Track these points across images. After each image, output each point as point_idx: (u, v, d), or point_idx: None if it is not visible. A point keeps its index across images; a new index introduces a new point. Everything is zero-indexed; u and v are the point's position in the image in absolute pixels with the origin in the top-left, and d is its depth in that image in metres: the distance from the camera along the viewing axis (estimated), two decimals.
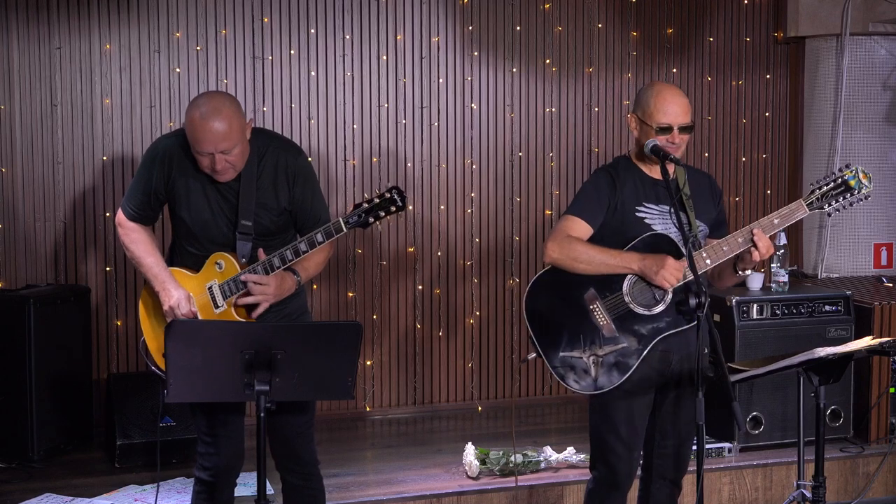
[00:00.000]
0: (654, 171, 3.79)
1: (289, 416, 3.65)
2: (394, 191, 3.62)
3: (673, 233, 3.72)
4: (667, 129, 3.72)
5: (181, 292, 3.66)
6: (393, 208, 3.62)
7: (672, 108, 3.73)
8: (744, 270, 3.77)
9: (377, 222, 3.65)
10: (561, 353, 3.73)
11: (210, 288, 3.69)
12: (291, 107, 5.97)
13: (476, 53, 6.24)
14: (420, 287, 6.20)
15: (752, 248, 3.67)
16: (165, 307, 3.66)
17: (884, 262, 6.54)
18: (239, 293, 3.66)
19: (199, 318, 3.67)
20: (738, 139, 6.76)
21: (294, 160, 3.75)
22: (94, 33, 5.65)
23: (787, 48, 6.80)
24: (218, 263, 3.67)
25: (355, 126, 6.07)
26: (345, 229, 3.61)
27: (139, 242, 3.75)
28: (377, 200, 3.62)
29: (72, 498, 4.71)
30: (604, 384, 3.69)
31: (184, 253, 3.76)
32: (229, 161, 3.57)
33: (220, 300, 3.68)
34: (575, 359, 3.72)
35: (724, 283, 3.90)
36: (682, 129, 3.74)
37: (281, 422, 3.69)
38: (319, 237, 3.62)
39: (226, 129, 3.52)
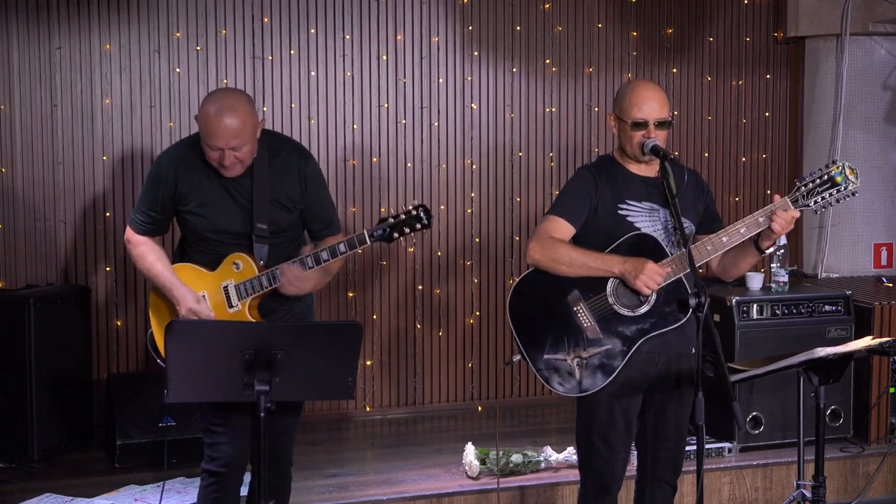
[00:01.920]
0: (640, 169, 3.78)
1: (277, 415, 3.64)
2: (420, 209, 3.65)
3: (659, 231, 3.72)
4: (642, 125, 3.70)
5: (193, 296, 3.69)
6: (418, 226, 3.65)
7: (647, 103, 3.70)
8: (767, 248, 3.71)
9: (401, 238, 3.67)
10: (545, 356, 3.71)
11: (225, 287, 3.71)
12: (291, 107, 5.97)
13: (476, 53, 6.24)
14: (420, 287, 6.20)
15: (772, 223, 3.61)
16: (183, 312, 3.68)
17: (884, 262, 6.54)
18: (255, 294, 3.69)
19: (213, 317, 3.70)
20: (738, 139, 6.76)
21: (306, 164, 3.81)
22: (94, 33, 5.65)
23: (787, 48, 6.80)
24: (235, 264, 3.70)
25: (355, 126, 6.07)
26: (368, 242, 3.65)
27: (148, 254, 3.78)
28: (403, 217, 3.65)
29: (72, 498, 4.71)
30: (588, 386, 3.68)
31: (194, 253, 3.77)
32: (238, 157, 3.61)
33: (234, 300, 3.71)
34: (559, 361, 3.70)
35: (740, 268, 3.83)
36: (659, 125, 3.71)
37: (269, 423, 3.69)
38: (342, 248, 3.65)
39: (238, 127, 3.56)
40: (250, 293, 3.70)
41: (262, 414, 3.26)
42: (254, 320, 3.71)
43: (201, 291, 3.73)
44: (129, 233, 3.83)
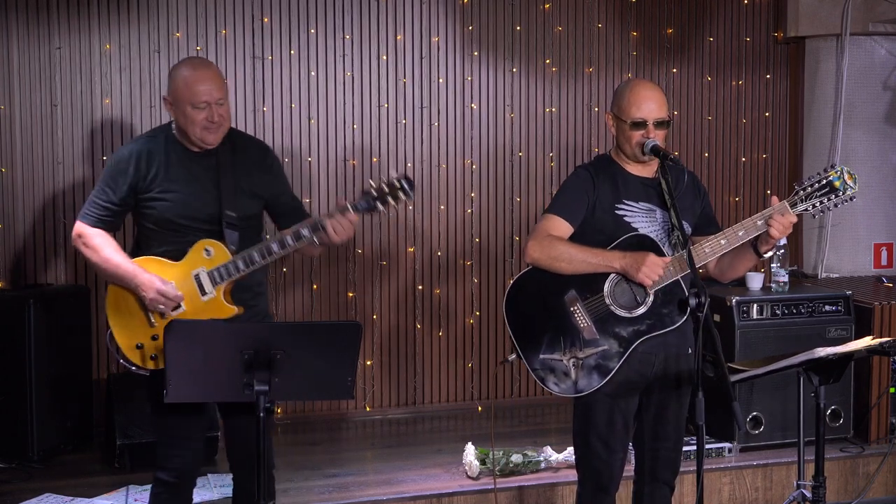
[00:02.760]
0: (637, 169, 3.77)
1: (251, 418, 3.63)
2: (403, 179, 3.63)
3: (656, 232, 3.71)
4: (641, 125, 3.69)
5: (158, 278, 3.60)
6: (402, 195, 3.63)
7: (646, 103, 3.69)
8: (766, 252, 3.70)
9: (385, 208, 3.65)
10: (541, 356, 3.71)
11: (197, 275, 3.64)
12: (291, 107, 5.97)
13: (476, 53, 6.24)
14: (420, 287, 6.20)
15: (769, 227, 3.60)
16: (151, 295, 3.58)
17: (884, 262, 6.54)
18: (230, 279, 3.64)
19: (181, 297, 3.62)
20: (738, 139, 6.76)
21: (266, 154, 3.86)
22: (94, 33, 5.65)
23: (787, 48, 6.80)
24: (207, 250, 3.64)
25: (355, 126, 6.07)
26: (353, 214, 3.62)
27: (105, 245, 3.68)
28: (386, 188, 3.63)
29: (72, 498, 4.71)
30: (584, 387, 3.68)
31: (157, 245, 3.68)
32: (221, 115, 3.64)
33: (208, 287, 3.64)
34: (555, 361, 3.70)
35: (738, 270, 3.84)
36: (658, 125, 3.70)
37: (243, 424, 3.67)
38: (326, 222, 3.62)
39: (219, 78, 3.67)
40: (225, 278, 3.63)
41: (262, 414, 3.25)
42: (230, 306, 3.65)
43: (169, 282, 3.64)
44: (81, 227, 3.70)
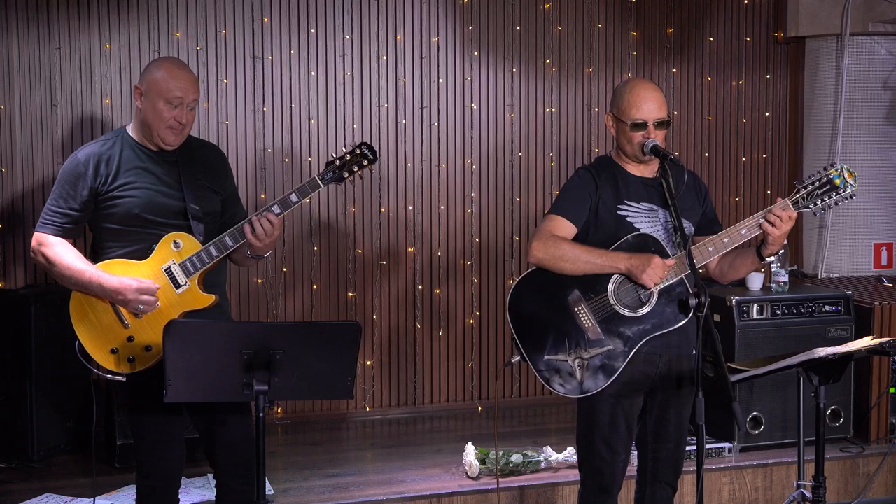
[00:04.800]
0: (638, 170, 3.78)
1: (236, 420, 3.62)
2: (363, 146, 3.74)
3: (659, 232, 3.72)
4: (641, 126, 3.70)
5: (131, 279, 3.55)
6: (365, 162, 3.73)
7: (646, 103, 3.70)
8: (768, 256, 3.70)
9: (351, 177, 3.74)
10: (546, 357, 3.71)
11: (168, 269, 3.60)
12: (291, 107, 5.97)
13: (476, 53, 6.24)
14: (420, 287, 6.20)
15: (769, 226, 3.61)
16: (131, 297, 3.52)
17: (884, 262, 6.54)
18: (204, 268, 3.61)
19: (159, 302, 3.59)
20: (738, 139, 6.76)
21: (223, 156, 3.90)
22: (94, 33, 5.65)
23: (787, 48, 6.80)
24: (175, 242, 3.60)
25: (355, 126, 6.07)
26: (322, 185, 3.70)
27: (67, 253, 3.61)
28: (349, 157, 3.73)
29: (72, 498, 4.71)
30: (590, 387, 3.68)
31: (118, 247, 3.63)
32: (189, 118, 3.65)
33: (181, 279, 3.60)
34: (560, 362, 3.70)
35: (738, 272, 3.84)
36: (658, 125, 3.71)
37: (228, 427, 3.67)
38: (294, 197, 3.67)
39: (197, 83, 3.68)
40: (199, 267, 3.60)
41: (262, 414, 3.25)
42: (206, 295, 3.63)
43: None
44: (41, 237, 3.62)
